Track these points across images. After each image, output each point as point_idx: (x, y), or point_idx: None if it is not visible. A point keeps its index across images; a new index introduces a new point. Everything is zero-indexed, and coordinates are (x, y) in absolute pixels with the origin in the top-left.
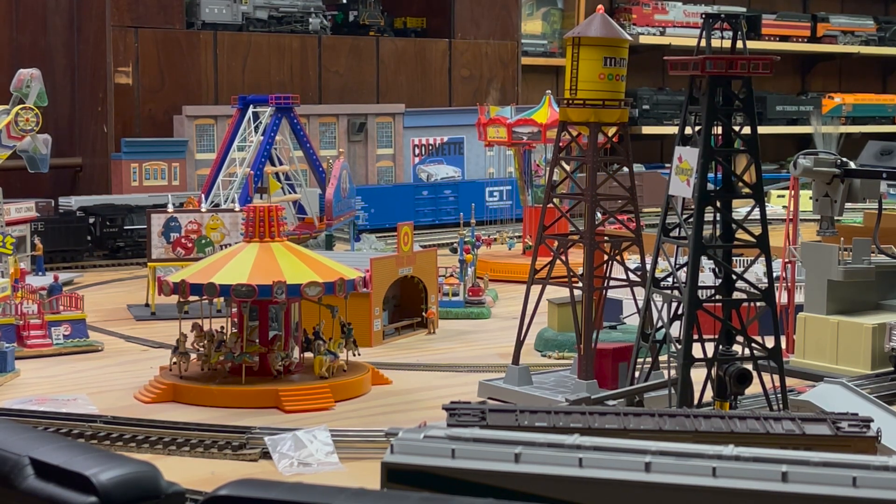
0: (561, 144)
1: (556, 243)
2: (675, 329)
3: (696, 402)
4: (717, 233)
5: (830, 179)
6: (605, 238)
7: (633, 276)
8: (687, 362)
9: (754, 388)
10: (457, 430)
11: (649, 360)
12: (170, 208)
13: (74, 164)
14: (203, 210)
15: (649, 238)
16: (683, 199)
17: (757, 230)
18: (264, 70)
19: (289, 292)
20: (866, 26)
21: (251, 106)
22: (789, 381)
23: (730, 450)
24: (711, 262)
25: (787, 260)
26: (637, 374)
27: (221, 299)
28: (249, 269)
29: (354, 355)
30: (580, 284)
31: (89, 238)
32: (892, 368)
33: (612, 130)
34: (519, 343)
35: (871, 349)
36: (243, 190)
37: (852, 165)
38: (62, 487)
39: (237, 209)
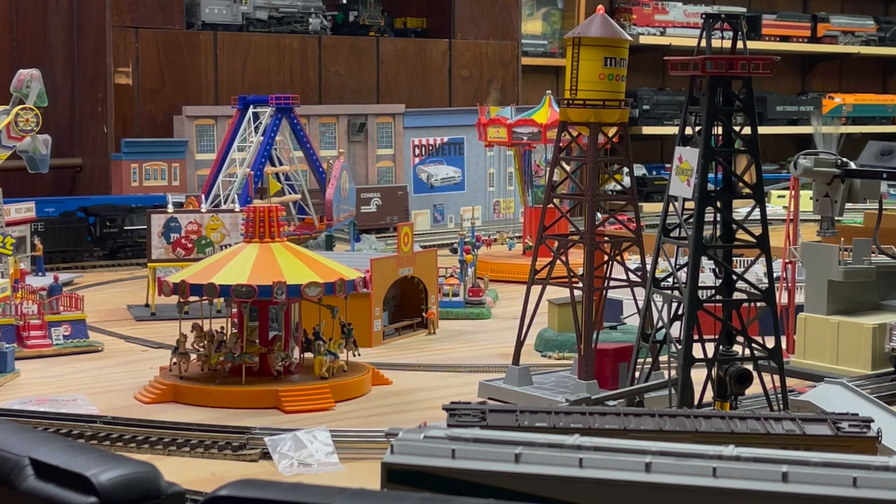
0: (561, 145)
1: (556, 243)
2: (676, 329)
3: (696, 402)
4: (718, 233)
5: (831, 179)
6: (606, 238)
7: (633, 277)
8: (687, 363)
9: (754, 389)
10: (457, 431)
11: (649, 360)
12: (169, 208)
13: (74, 164)
14: (203, 210)
15: (649, 238)
16: (684, 199)
17: (757, 230)
18: (264, 70)
19: (289, 293)
20: (866, 26)
21: (251, 106)
22: (789, 382)
23: (730, 450)
24: (711, 262)
25: (787, 260)
26: (637, 374)
27: (221, 300)
28: (249, 269)
29: (354, 356)
30: (580, 285)
31: (89, 238)
32: (893, 368)
33: (612, 131)
34: (519, 343)
35: (872, 349)
36: (243, 190)
37: (852, 166)
38: (62, 488)
39: (237, 209)
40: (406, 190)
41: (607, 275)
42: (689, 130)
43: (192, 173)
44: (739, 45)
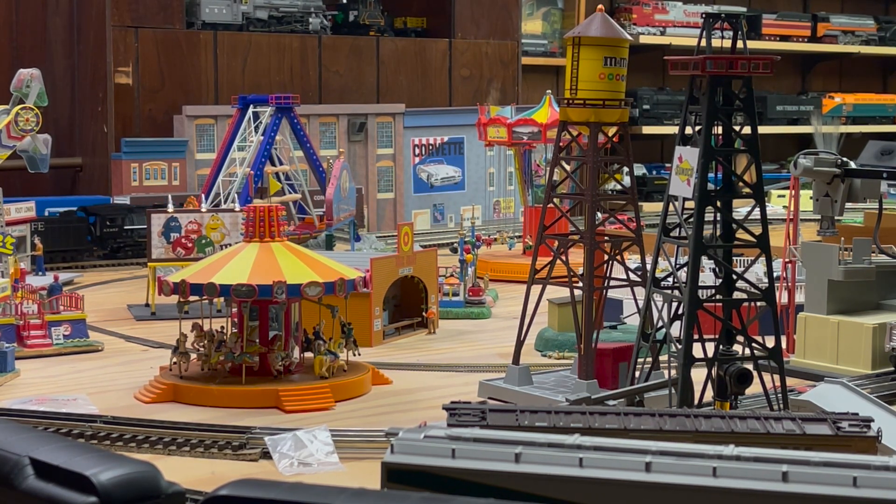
0: (561, 144)
1: (556, 243)
2: (676, 329)
3: (696, 402)
4: (718, 233)
5: (831, 179)
6: (606, 238)
7: (633, 276)
8: (687, 362)
9: (754, 388)
10: (457, 430)
11: (649, 360)
12: (170, 208)
13: (74, 164)
14: (203, 210)
15: (649, 238)
16: (684, 199)
17: (757, 230)
18: (264, 70)
19: (289, 292)
20: (866, 26)
21: (251, 106)
22: (789, 381)
23: (730, 450)
24: (712, 261)
25: (787, 260)
26: (637, 374)
27: (221, 299)
28: (249, 269)
29: (354, 355)
30: (580, 284)
31: (89, 238)
32: (893, 368)
33: (612, 130)
34: (519, 343)
35: (872, 349)
36: (243, 190)
37: (853, 165)
38: (62, 487)
39: (237, 209)
40: (361, 192)
41: (607, 274)
42: (689, 130)
43: (192, 173)
44: (739, 44)
